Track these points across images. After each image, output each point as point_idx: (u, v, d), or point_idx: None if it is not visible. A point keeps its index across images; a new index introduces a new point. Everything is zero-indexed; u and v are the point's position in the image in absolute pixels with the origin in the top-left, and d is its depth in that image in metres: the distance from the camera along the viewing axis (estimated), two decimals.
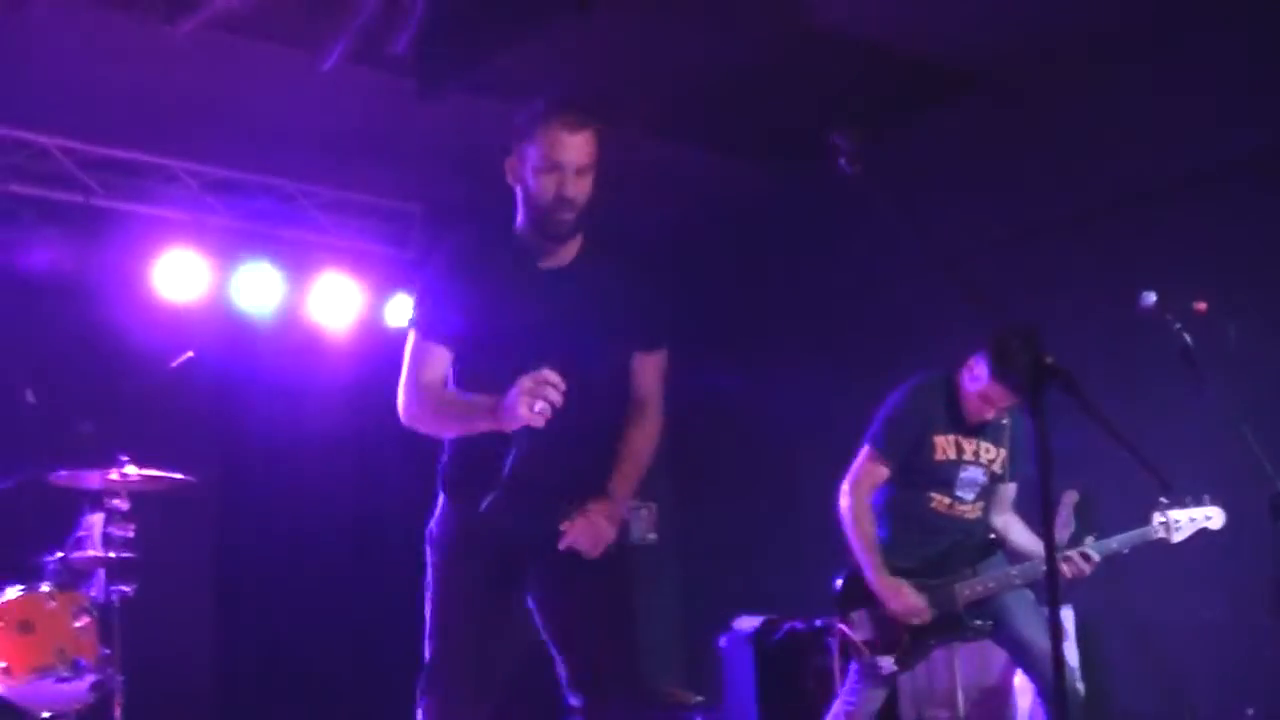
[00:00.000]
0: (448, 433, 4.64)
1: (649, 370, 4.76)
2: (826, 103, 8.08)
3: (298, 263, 9.53)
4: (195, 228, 9.15)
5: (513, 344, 4.46)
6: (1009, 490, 6.56)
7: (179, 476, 7.25)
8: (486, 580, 4.60)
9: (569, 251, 4.62)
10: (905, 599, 6.26)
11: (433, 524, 4.75)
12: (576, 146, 4.47)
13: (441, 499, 4.76)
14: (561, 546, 4.44)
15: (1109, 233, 7.92)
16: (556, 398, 4.19)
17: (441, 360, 4.60)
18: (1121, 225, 7.89)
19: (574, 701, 4.61)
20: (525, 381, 4.18)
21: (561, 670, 4.64)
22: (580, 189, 4.49)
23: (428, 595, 4.67)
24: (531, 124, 4.51)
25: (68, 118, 8.49)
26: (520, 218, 4.59)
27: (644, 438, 4.72)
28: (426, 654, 4.60)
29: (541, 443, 4.43)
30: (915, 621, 6.28)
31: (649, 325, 4.75)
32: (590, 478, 4.58)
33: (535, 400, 4.17)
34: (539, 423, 4.20)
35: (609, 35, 7.75)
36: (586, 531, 4.47)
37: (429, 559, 4.72)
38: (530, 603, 4.69)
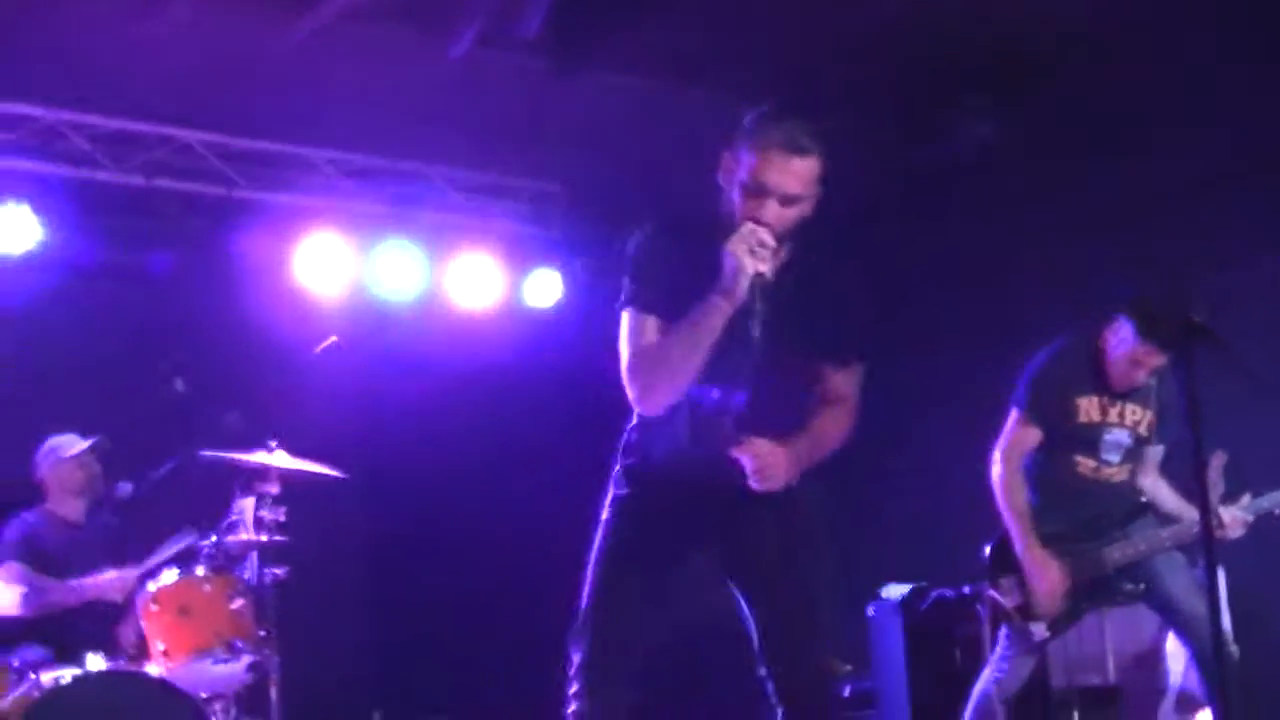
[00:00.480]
0: (687, 365, 4.23)
1: (843, 380, 4.55)
2: (956, 67, 7.97)
3: (437, 245, 9.58)
4: (335, 214, 9.24)
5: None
6: (1156, 453, 6.47)
7: (330, 472, 7.33)
8: (649, 544, 4.50)
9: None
10: (1049, 579, 6.20)
11: (608, 487, 4.64)
12: (790, 172, 4.15)
13: (618, 465, 4.63)
14: (740, 455, 4.24)
15: (1265, 190, 7.75)
16: (768, 238, 4.08)
17: (658, 330, 4.33)
18: (1268, 182, 7.73)
19: (762, 669, 4.49)
20: (734, 241, 4.08)
21: (753, 631, 4.51)
22: (782, 218, 4.19)
23: (592, 552, 4.56)
24: (754, 131, 4.21)
25: (209, 112, 8.61)
26: (723, 214, 4.31)
27: (832, 425, 4.52)
28: (582, 605, 4.51)
29: (713, 427, 4.37)
30: (1049, 606, 6.21)
31: (845, 343, 4.52)
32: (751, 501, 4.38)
33: (750, 247, 4.06)
34: (765, 265, 4.07)
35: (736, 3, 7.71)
36: (763, 452, 4.24)
37: (601, 519, 4.60)
38: (722, 571, 4.58)
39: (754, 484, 4.26)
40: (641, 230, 4.46)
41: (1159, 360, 6.11)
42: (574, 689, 4.46)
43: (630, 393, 4.36)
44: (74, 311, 8.66)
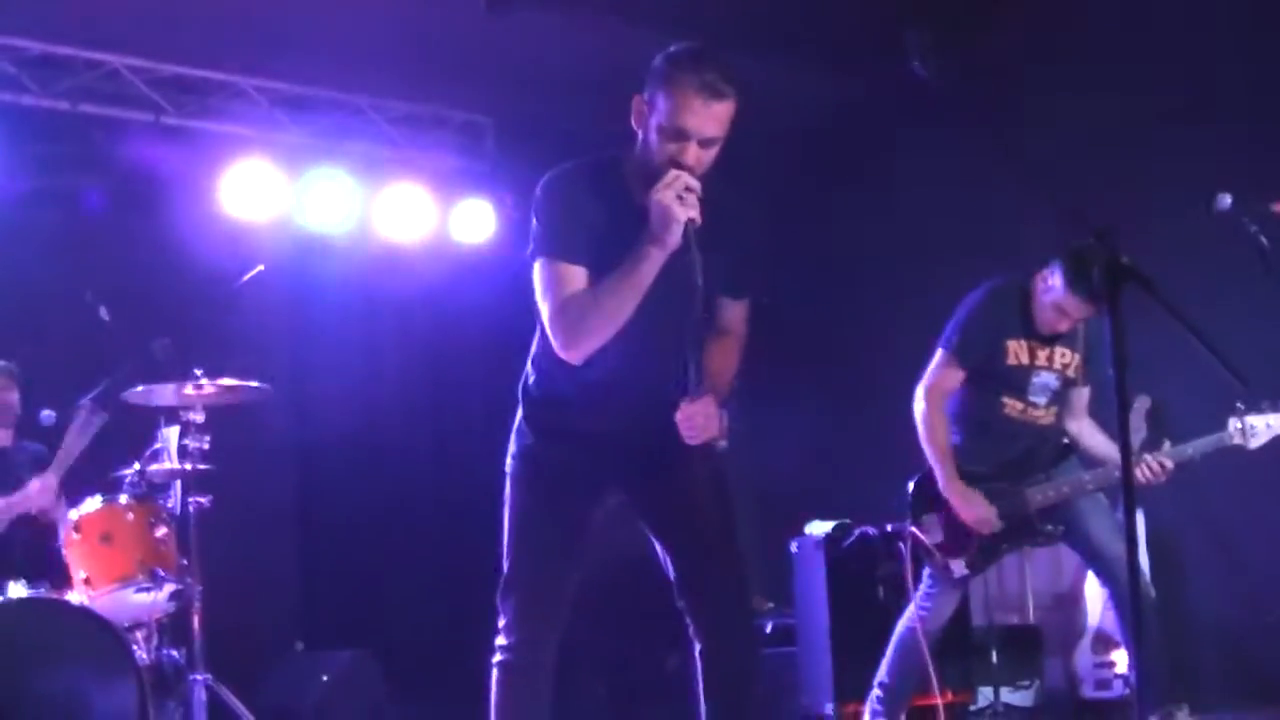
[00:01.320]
0: (619, 315, 4.21)
1: (735, 312, 4.58)
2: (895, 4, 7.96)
3: (368, 176, 9.53)
4: (265, 144, 9.17)
5: None
6: (1083, 395, 6.52)
7: (253, 384, 7.30)
8: (562, 493, 4.55)
9: None
10: (976, 508, 6.25)
11: (511, 439, 4.67)
12: (710, 116, 4.13)
13: (520, 415, 4.66)
14: (677, 416, 4.21)
15: (1187, 135, 7.81)
16: (695, 184, 4.08)
17: (579, 278, 4.28)
18: (1200, 128, 7.78)
19: (681, 602, 4.51)
20: (660, 188, 4.07)
21: (671, 568, 4.53)
22: (700, 160, 4.18)
23: (505, 508, 4.61)
24: (667, 76, 4.16)
25: (136, 37, 8.51)
26: (636, 159, 4.30)
27: (727, 360, 4.54)
28: (504, 566, 4.56)
29: (623, 366, 4.37)
30: (985, 531, 6.28)
31: (739, 277, 4.51)
32: (668, 398, 4.33)
33: (678, 193, 4.05)
34: (695, 210, 4.06)
35: None
36: (701, 412, 4.20)
37: (507, 472, 4.63)
38: (631, 506, 4.61)
39: (689, 440, 4.25)
40: (550, 176, 4.41)
41: (1085, 312, 6.14)
42: (502, 641, 4.52)
43: (556, 342, 4.33)
44: None
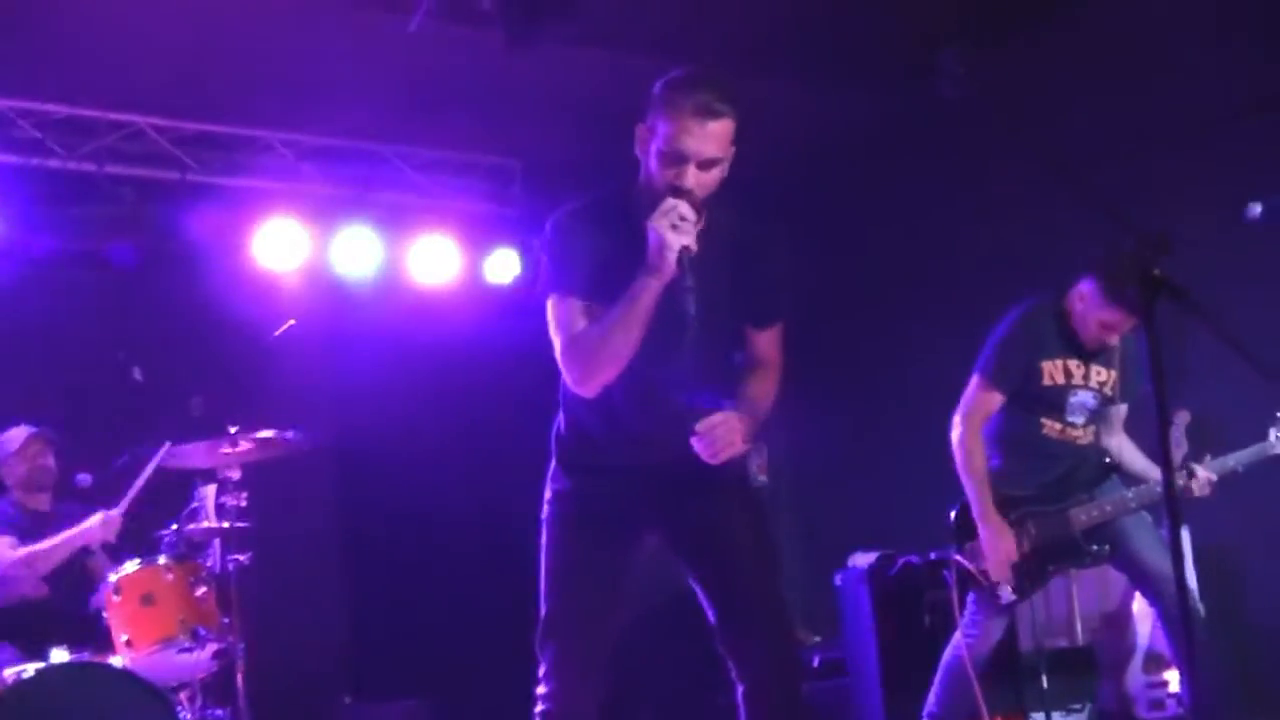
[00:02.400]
0: (625, 347, 4.20)
1: (765, 342, 4.56)
2: (924, 21, 7.93)
3: (396, 225, 9.55)
4: (292, 196, 9.20)
5: None
6: (1120, 412, 6.47)
7: (289, 436, 7.28)
8: (599, 536, 4.52)
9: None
10: (1002, 547, 6.19)
11: (546, 484, 4.65)
12: (707, 137, 4.12)
13: (553, 463, 4.66)
14: (694, 440, 4.18)
15: (1218, 144, 7.74)
16: (689, 211, 4.08)
17: (587, 313, 4.30)
18: (1232, 136, 7.71)
19: (721, 644, 4.47)
20: (656, 217, 4.08)
21: (708, 608, 4.50)
22: (702, 182, 4.17)
23: (542, 554, 4.59)
24: (664, 100, 4.18)
25: (159, 96, 8.54)
26: (640, 187, 4.31)
27: (762, 390, 4.49)
28: (542, 612, 4.53)
29: (647, 403, 4.38)
30: (997, 575, 6.21)
31: (764, 304, 4.51)
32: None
33: (672, 222, 4.05)
34: (690, 238, 4.06)
35: None
36: (722, 426, 4.18)
37: (543, 518, 4.62)
38: (667, 546, 4.60)
39: (710, 458, 4.21)
40: (557, 214, 4.44)
41: (1128, 323, 6.09)
42: (542, 690, 4.47)
43: (569, 377, 4.37)
44: (30, 302, 8.58)
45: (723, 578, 4.49)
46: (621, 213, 4.33)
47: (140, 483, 7.15)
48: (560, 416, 4.65)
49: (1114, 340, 6.24)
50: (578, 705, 4.46)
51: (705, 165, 4.16)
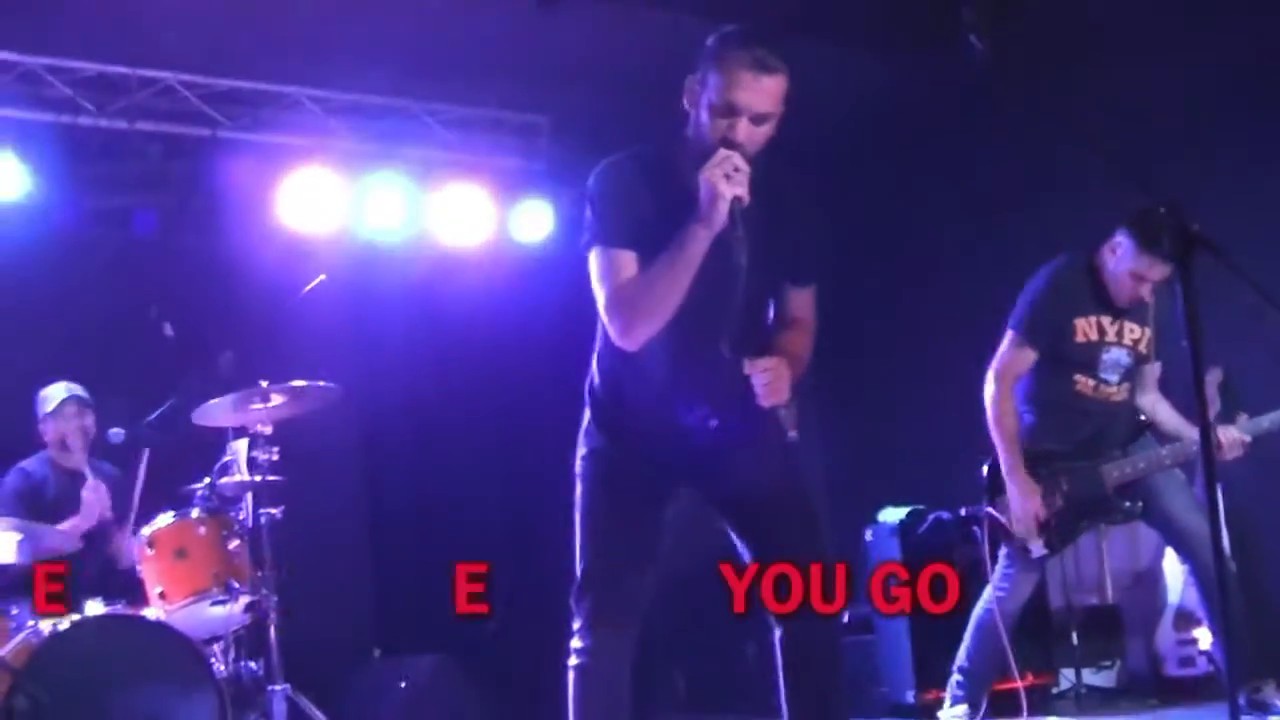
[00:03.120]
0: (673, 297, 4.18)
1: (801, 301, 4.55)
2: None
3: (424, 181, 9.52)
4: (321, 153, 9.17)
5: None
6: (1154, 370, 6.47)
7: (321, 385, 7.30)
8: (634, 492, 4.50)
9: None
10: (1029, 503, 6.21)
11: (580, 440, 4.63)
12: (760, 91, 4.12)
13: (587, 415, 4.63)
14: (750, 373, 4.18)
15: (1252, 103, 7.69)
16: (743, 163, 4.07)
17: (633, 264, 4.28)
18: (1266, 95, 7.66)
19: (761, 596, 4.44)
20: (709, 167, 4.07)
21: (748, 556, 4.48)
22: (753, 137, 4.17)
23: (577, 510, 4.57)
24: (717, 53, 4.18)
25: (189, 53, 8.53)
26: (687, 142, 4.30)
27: (799, 344, 4.47)
28: (578, 568, 4.52)
29: (690, 357, 4.36)
30: (1021, 529, 6.22)
31: (802, 263, 4.51)
32: (739, 387, 4.29)
33: (725, 172, 4.04)
34: (743, 189, 4.05)
35: None
36: (776, 369, 4.19)
37: (577, 473, 4.60)
38: (703, 500, 4.57)
39: (763, 400, 4.20)
40: (602, 166, 4.42)
41: (1162, 272, 6.07)
42: (577, 644, 4.47)
43: (613, 329, 4.32)
44: (62, 258, 8.60)
45: (761, 525, 4.46)
46: (666, 167, 4.32)
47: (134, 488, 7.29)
48: (594, 373, 4.62)
49: (1145, 294, 6.22)
50: (613, 659, 4.46)
51: (757, 120, 4.15)
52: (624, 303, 4.27)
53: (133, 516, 7.33)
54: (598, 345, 4.59)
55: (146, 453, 7.31)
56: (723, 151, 4.10)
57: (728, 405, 4.33)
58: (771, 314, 4.54)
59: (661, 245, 4.19)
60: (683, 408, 4.44)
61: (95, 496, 7.26)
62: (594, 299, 4.42)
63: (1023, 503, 6.23)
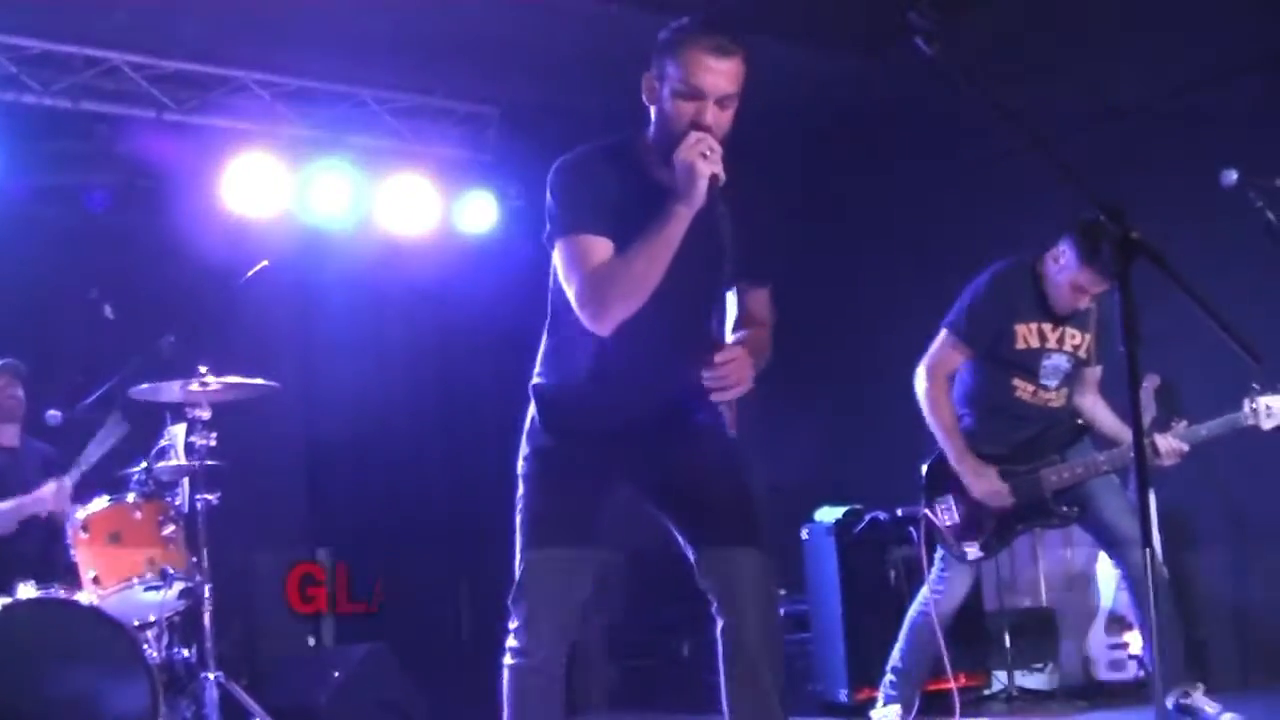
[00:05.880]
0: (652, 277, 4.18)
1: (758, 301, 4.62)
2: None
3: (370, 169, 9.50)
4: (267, 138, 9.14)
5: None
6: (1094, 373, 6.51)
7: (259, 382, 7.29)
8: (575, 493, 4.49)
9: None
10: (988, 482, 6.25)
11: (524, 440, 4.60)
12: (722, 72, 4.18)
13: (532, 414, 4.61)
14: (707, 372, 4.18)
15: (1194, 109, 7.76)
16: (715, 144, 4.13)
17: (605, 248, 4.26)
18: (1207, 100, 7.73)
19: (704, 582, 4.45)
20: (683, 149, 4.11)
21: (689, 549, 4.49)
22: (719, 120, 4.20)
23: (518, 510, 4.54)
24: (675, 42, 4.23)
25: (136, 33, 8.47)
26: (650, 137, 4.33)
27: (759, 339, 4.51)
28: (516, 568, 4.50)
29: (640, 350, 4.35)
30: (997, 505, 6.27)
31: (756, 263, 4.54)
32: (688, 381, 4.32)
33: (701, 151, 4.10)
34: (718, 167, 4.10)
35: None
36: (738, 362, 4.20)
37: (520, 473, 4.58)
38: (643, 497, 4.57)
39: (726, 391, 4.21)
40: (563, 159, 4.42)
41: (1101, 285, 6.11)
42: (514, 644, 4.47)
43: (586, 313, 4.28)
44: (1, 237, 8.53)
45: (702, 518, 4.47)
46: (631, 160, 4.36)
47: (92, 454, 7.13)
48: (541, 372, 4.61)
49: (1084, 305, 6.26)
50: (549, 659, 4.46)
51: (721, 103, 4.20)
52: (600, 285, 4.25)
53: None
54: (545, 344, 4.59)
55: (121, 430, 7.19)
56: (695, 134, 4.14)
57: (674, 394, 4.37)
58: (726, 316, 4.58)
59: (628, 236, 4.20)
60: (630, 397, 4.44)
61: (55, 496, 7.12)
62: (543, 290, 4.45)
63: (980, 484, 6.26)
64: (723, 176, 4.12)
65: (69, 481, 7.13)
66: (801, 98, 9.26)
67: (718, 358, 4.18)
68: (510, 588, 4.50)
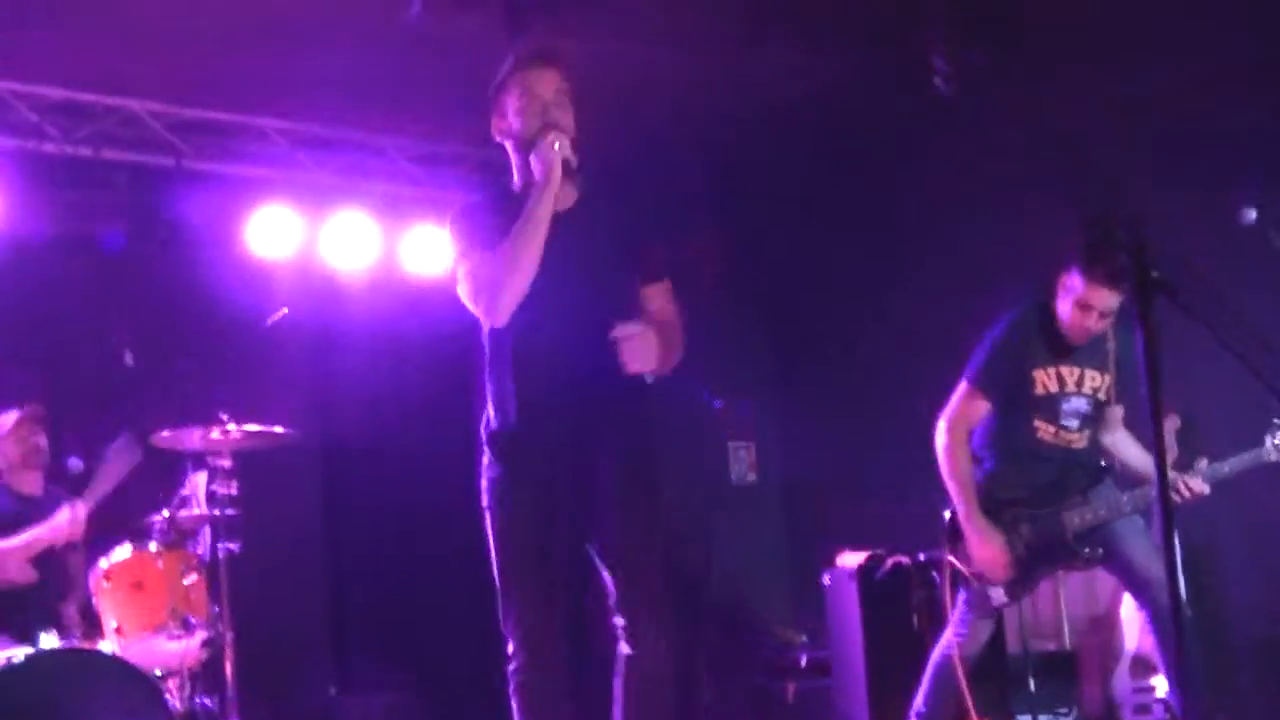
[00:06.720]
0: (529, 259, 4.65)
1: (658, 298, 4.92)
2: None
3: (390, 215, 9.53)
4: (286, 185, 9.17)
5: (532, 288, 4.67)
6: (1117, 411, 6.47)
7: (279, 430, 7.31)
8: (533, 520, 4.82)
9: (567, 197, 4.78)
10: (993, 551, 6.22)
11: (482, 477, 4.96)
12: (550, 78, 4.80)
13: (485, 454, 4.95)
14: (618, 335, 4.62)
15: (1209, 133, 7.71)
16: (564, 136, 4.69)
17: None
18: (1224, 126, 7.69)
19: (618, 620, 4.76)
20: (536, 148, 4.70)
21: (610, 586, 4.78)
22: (565, 116, 4.78)
23: (491, 541, 4.93)
24: (505, 76, 4.90)
25: (155, 81, 8.52)
26: (518, 174, 4.90)
27: (668, 340, 4.79)
28: (500, 594, 4.87)
29: (564, 372, 4.70)
30: (994, 577, 6.24)
31: (647, 259, 4.93)
32: (618, 402, 4.76)
33: (549, 142, 4.66)
34: (568, 151, 4.66)
35: None
36: (640, 336, 4.64)
37: (485, 507, 4.94)
38: (586, 532, 4.84)
39: (628, 365, 4.61)
40: (457, 205, 5.04)
41: (1108, 300, 6.07)
42: (513, 665, 4.79)
43: (480, 307, 4.76)
44: (22, 285, 8.55)
45: (618, 556, 4.78)
46: (509, 196, 4.88)
47: (107, 478, 7.14)
48: (489, 406, 4.95)
49: (1094, 324, 6.19)
50: (550, 669, 4.76)
51: (559, 102, 4.79)
52: (484, 274, 4.71)
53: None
54: (487, 386, 5.00)
55: (134, 454, 7.21)
56: (550, 131, 4.69)
57: (608, 384, 4.70)
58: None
59: None
60: (571, 393, 4.74)
61: (70, 518, 7.14)
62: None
63: (984, 549, 6.24)
64: (574, 158, 4.68)
65: (83, 508, 7.15)
66: (799, 103, 9.25)
67: (618, 331, 4.60)
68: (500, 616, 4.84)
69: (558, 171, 4.66)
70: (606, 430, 4.77)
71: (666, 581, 4.81)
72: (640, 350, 4.63)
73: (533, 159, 4.72)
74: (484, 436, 4.96)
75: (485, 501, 4.92)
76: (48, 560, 7.23)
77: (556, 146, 4.66)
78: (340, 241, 9.34)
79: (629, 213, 4.94)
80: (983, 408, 6.37)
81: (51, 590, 7.25)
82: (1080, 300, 6.12)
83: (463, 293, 4.83)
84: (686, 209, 8.92)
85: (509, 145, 4.93)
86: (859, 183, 9.77)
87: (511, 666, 4.77)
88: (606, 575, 4.78)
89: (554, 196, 4.66)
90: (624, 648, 4.73)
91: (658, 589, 4.79)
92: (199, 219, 8.99)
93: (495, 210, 4.85)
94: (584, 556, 4.81)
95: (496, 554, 4.89)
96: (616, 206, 4.91)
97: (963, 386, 6.38)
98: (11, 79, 8.26)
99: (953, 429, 6.34)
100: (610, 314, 4.69)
